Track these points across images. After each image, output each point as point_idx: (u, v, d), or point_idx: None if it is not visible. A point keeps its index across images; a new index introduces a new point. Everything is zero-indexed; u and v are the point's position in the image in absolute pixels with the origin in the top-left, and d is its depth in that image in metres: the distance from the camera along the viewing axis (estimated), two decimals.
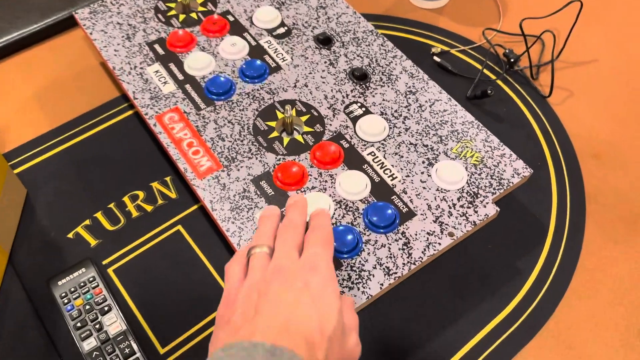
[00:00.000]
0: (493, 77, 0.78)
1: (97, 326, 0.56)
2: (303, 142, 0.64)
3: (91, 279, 0.59)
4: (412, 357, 0.57)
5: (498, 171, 0.61)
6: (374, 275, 0.54)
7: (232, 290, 0.45)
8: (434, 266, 0.62)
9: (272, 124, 0.65)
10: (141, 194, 0.67)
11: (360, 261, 0.55)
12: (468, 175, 0.61)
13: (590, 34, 0.84)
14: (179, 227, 0.64)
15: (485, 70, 0.79)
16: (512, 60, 0.78)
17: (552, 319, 0.60)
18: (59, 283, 0.59)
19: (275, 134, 0.65)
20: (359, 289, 0.54)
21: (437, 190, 0.60)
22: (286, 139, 0.64)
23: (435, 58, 0.79)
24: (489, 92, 0.72)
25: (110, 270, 0.62)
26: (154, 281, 0.61)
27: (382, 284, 0.54)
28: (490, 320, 0.60)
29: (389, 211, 0.58)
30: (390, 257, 0.56)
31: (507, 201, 0.67)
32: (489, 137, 0.64)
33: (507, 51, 0.79)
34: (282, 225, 0.49)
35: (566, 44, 0.80)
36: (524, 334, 0.59)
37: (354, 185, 0.60)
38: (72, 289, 0.58)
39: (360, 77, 0.69)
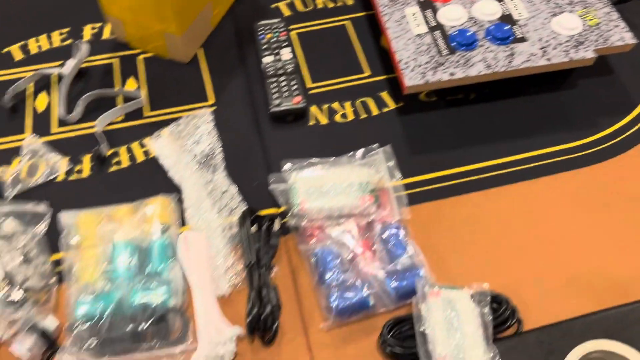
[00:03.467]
0: None
1: (276, 51, 0.80)
2: None
3: (281, 26, 0.83)
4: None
5: (608, 33, 0.74)
6: None
7: None
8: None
9: None
10: None
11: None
12: (582, 29, 0.74)
13: None
14: None
15: None
16: None
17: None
18: (260, 24, 0.84)
19: None
20: None
21: (552, 31, 0.75)
22: None
23: None
24: None
25: (293, 33, 0.86)
26: None
27: None
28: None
29: (506, 28, 0.74)
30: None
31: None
32: (612, 11, 0.77)
33: None
34: None
35: None
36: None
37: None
38: (267, 28, 0.83)
39: None
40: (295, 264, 0.65)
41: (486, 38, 0.74)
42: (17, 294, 0.58)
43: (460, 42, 0.73)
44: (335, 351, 0.59)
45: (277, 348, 0.59)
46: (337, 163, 0.69)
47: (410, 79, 0.69)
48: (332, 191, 0.65)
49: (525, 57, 0.72)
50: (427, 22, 0.76)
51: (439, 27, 0.75)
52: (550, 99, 0.78)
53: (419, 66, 0.71)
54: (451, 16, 0.76)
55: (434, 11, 0.77)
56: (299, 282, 0.64)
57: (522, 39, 0.74)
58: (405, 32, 0.75)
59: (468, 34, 0.74)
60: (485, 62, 0.71)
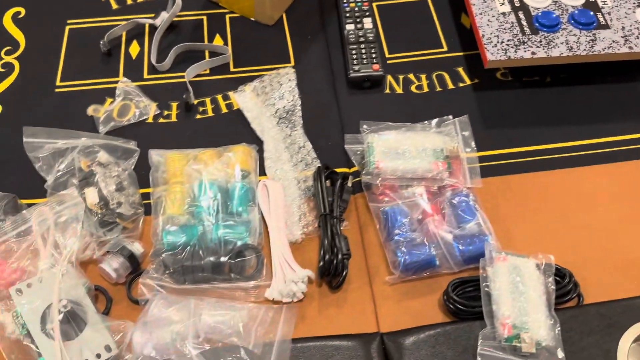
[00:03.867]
0: None
1: (358, 20, 0.83)
2: None
3: None
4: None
5: None
6: None
7: None
8: None
9: None
10: None
11: None
12: None
13: None
14: None
15: None
16: None
17: None
18: None
19: None
20: None
21: (635, 21, 0.75)
22: None
23: None
24: None
25: (374, 5, 0.88)
26: None
27: None
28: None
29: (590, 14, 0.75)
30: None
31: None
32: None
33: None
34: None
35: None
36: None
37: None
38: None
39: None
40: (363, 221, 0.68)
41: (569, 22, 0.75)
42: (110, 217, 0.63)
43: (544, 24, 0.74)
44: (398, 304, 0.62)
45: (343, 294, 0.63)
46: (412, 129, 0.71)
47: (492, 54, 0.71)
48: (407, 154, 0.67)
49: (607, 44, 0.73)
50: (511, 2, 0.77)
51: (523, 7, 0.77)
52: (625, 88, 0.78)
53: (501, 42, 0.73)
54: None
55: None
56: (367, 238, 0.67)
57: (605, 26, 0.74)
58: (490, 9, 0.76)
59: (553, 16, 0.75)
60: (568, 45, 0.72)
